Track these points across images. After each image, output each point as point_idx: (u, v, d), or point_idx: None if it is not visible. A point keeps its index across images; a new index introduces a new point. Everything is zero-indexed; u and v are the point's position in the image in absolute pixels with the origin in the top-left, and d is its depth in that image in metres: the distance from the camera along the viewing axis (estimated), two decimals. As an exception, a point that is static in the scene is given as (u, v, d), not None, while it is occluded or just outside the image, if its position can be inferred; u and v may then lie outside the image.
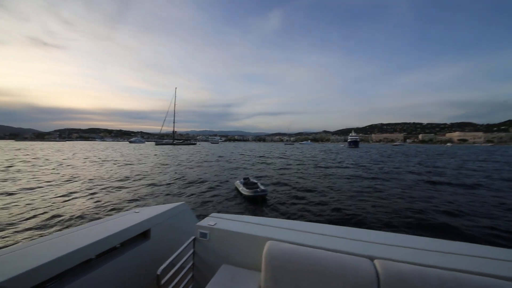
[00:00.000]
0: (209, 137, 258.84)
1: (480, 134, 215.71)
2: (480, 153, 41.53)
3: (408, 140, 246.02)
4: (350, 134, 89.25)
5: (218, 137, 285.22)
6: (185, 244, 1.43)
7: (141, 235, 1.59)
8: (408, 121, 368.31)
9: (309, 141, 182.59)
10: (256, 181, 8.15)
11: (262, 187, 7.38)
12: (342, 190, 8.44)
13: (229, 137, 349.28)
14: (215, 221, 1.58)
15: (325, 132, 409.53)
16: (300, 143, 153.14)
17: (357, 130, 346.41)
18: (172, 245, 1.72)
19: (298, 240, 1.27)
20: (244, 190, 7.10)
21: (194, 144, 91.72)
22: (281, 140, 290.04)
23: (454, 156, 30.29)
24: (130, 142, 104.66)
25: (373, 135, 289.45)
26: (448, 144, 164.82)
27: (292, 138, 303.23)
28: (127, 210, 3.32)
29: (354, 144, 78.99)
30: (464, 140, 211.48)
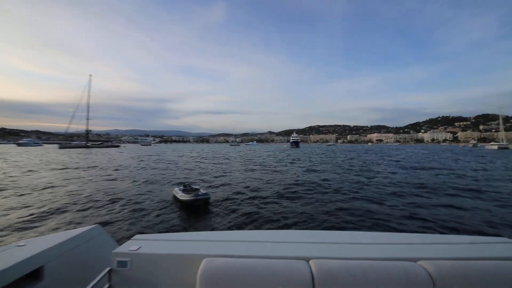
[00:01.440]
0: (138, 138, 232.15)
1: (391, 135, 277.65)
2: (393, 150, 54.31)
3: (339, 141, 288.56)
4: (292, 135, 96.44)
5: (151, 138, 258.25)
6: (96, 280, 1.16)
7: (28, 277, 1.27)
8: (339, 123, 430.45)
9: (255, 142, 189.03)
10: (198, 187, 7.81)
11: (203, 191, 7.06)
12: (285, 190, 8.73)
13: (165, 137, 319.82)
14: (139, 244, 1.37)
15: (270, 133, 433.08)
16: (246, 144, 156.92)
17: (298, 131, 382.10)
18: (78, 283, 1.41)
19: (235, 252, 1.23)
20: (182, 196, 6.71)
21: (117, 146, 79.89)
22: (226, 141, 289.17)
23: (377, 152, 37.76)
24: (19, 145, 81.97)
25: (311, 136, 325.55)
26: (369, 143, 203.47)
27: (238, 139, 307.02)
28: (4, 245, 2.16)
29: (296, 144, 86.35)
30: (381, 140, 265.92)
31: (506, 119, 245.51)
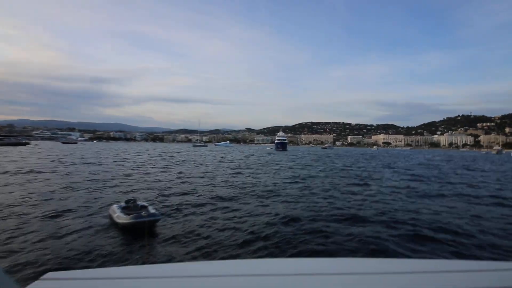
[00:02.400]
0: (58, 133, 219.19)
1: (401, 137, 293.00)
2: (402, 155, 57.74)
3: (337, 143, 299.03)
4: (278, 134, 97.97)
5: (78, 134, 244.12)
6: None
7: None
8: (338, 121, 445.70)
9: (228, 141, 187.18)
10: (146, 204, 7.64)
11: (152, 211, 6.90)
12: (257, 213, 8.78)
13: (100, 133, 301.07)
14: (53, 285, 1.22)
15: (249, 130, 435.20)
16: (216, 145, 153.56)
17: (286, 129, 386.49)
18: None
19: None
20: (120, 217, 6.52)
21: (25, 143, 74.58)
22: (189, 140, 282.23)
23: (385, 161, 39.73)
24: None
25: (302, 135, 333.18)
26: (375, 147, 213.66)
27: (205, 138, 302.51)
28: None
29: (282, 146, 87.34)
30: (388, 143, 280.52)
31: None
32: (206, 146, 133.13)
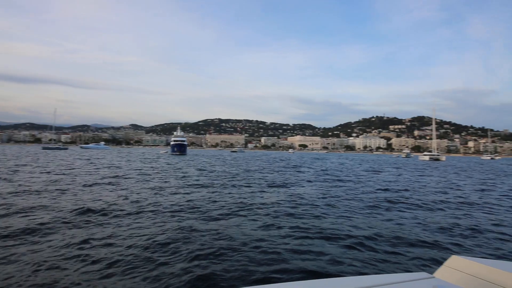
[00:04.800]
0: None
1: (318, 139, 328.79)
2: (315, 160, 64.08)
3: (250, 145, 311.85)
4: (175, 133, 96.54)
5: None
6: None
7: None
8: (251, 118, 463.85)
9: (103, 142, 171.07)
10: None
11: None
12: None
13: None
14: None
15: (135, 127, 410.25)
16: (83, 147, 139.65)
17: (186, 127, 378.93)
18: None
19: None
20: None
21: None
22: (38, 140, 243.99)
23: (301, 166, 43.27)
24: None
25: (207, 136, 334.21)
26: (290, 150, 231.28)
27: (64, 137, 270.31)
28: None
29: (180, 149, 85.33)
30: (305, 146, 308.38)
31: (440, 124, 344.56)
32: (66, 149, 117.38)
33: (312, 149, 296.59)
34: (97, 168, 29.29)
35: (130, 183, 18.22)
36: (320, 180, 23.93)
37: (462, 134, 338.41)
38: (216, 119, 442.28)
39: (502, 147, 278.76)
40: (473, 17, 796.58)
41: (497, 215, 11.69)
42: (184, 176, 23.43)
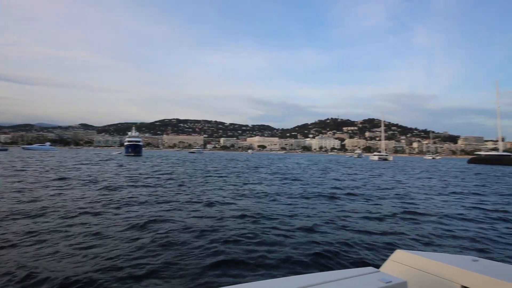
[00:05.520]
0: None
1: (276, 140, 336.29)
2: (276, 160, 65.01)
3: (208, 146, 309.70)
4: (130, 133, 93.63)
5: None
6: None
7: None
8: (210, 119, 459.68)
9: (48, 143, 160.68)
10: None
11: None
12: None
13: None
14: None
15: (86, 127, 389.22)
16: (26, 147, 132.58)
17: (142, 127, 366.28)
18: None
19: None
20: None
21: None
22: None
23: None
24: None
25: (165, 136, 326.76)
26: (250, 151, 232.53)
27: (4, 137, 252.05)
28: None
29: (135, 150, 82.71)
30: (263, 147, 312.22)
31: (388, 126, 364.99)
32: (6, 149, 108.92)
33: (271, 150, 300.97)
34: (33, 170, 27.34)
35: (72, 186, 17.13)
36: (277, 179, 24.65)
37: (408, 135, 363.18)
38: (173, 119, 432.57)
39: (442, 147, 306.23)
40: (417, 27, 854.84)
41: (434, 209, 12.42)
42: (135, 178, 22.49)
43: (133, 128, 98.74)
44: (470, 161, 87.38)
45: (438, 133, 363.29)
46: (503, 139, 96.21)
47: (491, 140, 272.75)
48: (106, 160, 52.01)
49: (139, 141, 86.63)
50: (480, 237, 8.26)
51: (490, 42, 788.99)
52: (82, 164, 38.46)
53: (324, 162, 69.92)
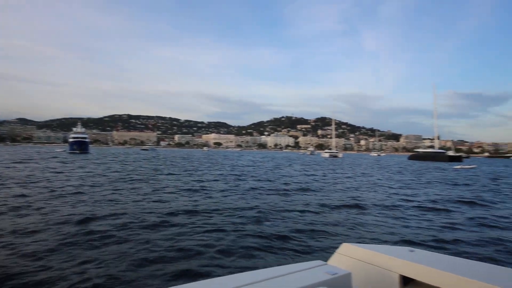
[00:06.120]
0: None
1: (232, 137, 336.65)
2: (234, 157, 64.72)
3: (162, 143, 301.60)
4: (75, 129, 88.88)
5: None
6: None
7: None
8: (164, 115, 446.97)
9: None
10: None
11: None
12: None
13: None
14: None
15: (24, 122, 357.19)
16: None
17: (89, 122, 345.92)
18: None
19: None
20: None
21: None
22: None
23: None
24: None
25: (115, 132, 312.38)
26: (205, 148, 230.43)
27: None
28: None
29: (81, 147, 78.33)
30: (219, 144, 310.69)
31: (339, 124, 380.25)
32: None
33: (227, 147, 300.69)
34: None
35: None
36: (231, 175, 25.09)
37: (356, 133, 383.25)
38: (124, 114, 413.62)
39: (386, 145, 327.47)
40: (365, 31, 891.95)
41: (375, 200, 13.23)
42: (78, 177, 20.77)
43: (79, 123, 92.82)
44: (410, 158, 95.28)
45: (383, 131, 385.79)
46: (438, 138, 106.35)
47: (429, 138, 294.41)
48: (49, 158, 48.28)
49: (85, 138, 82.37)
50: (404, 226, 9.25)
51: (429, 48, 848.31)
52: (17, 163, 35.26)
53: (279, 159, 71.29)
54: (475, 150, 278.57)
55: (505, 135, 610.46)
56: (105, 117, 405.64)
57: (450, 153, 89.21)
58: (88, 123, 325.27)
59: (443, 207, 12.50)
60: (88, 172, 25.06)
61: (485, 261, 2.00)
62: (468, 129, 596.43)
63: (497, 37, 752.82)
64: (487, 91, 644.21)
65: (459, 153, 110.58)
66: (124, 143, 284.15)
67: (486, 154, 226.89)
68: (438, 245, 7.22)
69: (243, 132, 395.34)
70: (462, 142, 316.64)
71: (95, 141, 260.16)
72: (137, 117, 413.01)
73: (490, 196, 16.23)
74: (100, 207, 10.90)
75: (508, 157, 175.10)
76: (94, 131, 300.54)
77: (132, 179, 20.24)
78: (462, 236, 8.03)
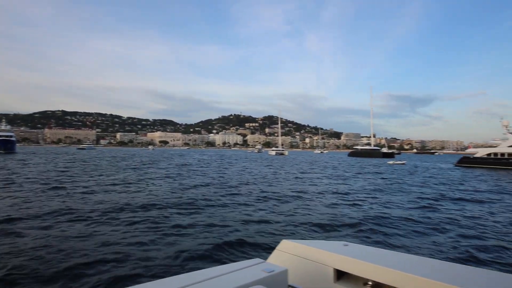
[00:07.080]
0: None
1: (179, 135, 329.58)
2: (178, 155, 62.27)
3: (102, 141, 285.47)
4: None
5: None
6: None
7: None
8: (104, 112, 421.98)
9: None
10: None
11: None
12: None
13: None
14: None
15: None
16: None
17: (17, 119, 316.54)
18: None
19: None
20: None
21: None
22: None
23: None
24: None
25: (47, 130, 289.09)
26: (150, 147, 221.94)
27: None
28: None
29: (5, 146, 71.53)
30: (166, 142, 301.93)
31: (285, 123, 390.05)
32: None
33: (174, 146, 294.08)
34: None
35: None
36: (179, 174, 26.13)
37: (301, 132, 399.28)
38: (58, 111, 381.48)
39: (328, 142, 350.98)
40: (309, 33, 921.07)
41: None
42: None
43: (3, 120, 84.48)
44: (350, 155, 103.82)
45: (326, 130, 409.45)
46: (374, 136, 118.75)
47: (366, 136, 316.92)
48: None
49: (11, 136, 75.61)
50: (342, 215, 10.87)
51: (367, 51, 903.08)
52: None
53: (227, 157, 71.25)
54: (405, 146, 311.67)
55: (430, 133, 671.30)
56: (36, 113, 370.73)
57: (384, 150, 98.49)
58: (15, 120, 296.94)
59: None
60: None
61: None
62: (399, 128, 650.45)
63: (421, 45, 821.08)
64: (415, 93, 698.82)
65: (392, 150, 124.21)
66: (58, 142, 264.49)
67: (415, 150, 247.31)
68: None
69: (191, 130, 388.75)
70: (394, 139, 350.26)
71: (24, 139, 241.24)
72: (74, 113, 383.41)
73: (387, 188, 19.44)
74: None
75: (433, 153, 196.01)
76: (23, 128, 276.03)
77: None
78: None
